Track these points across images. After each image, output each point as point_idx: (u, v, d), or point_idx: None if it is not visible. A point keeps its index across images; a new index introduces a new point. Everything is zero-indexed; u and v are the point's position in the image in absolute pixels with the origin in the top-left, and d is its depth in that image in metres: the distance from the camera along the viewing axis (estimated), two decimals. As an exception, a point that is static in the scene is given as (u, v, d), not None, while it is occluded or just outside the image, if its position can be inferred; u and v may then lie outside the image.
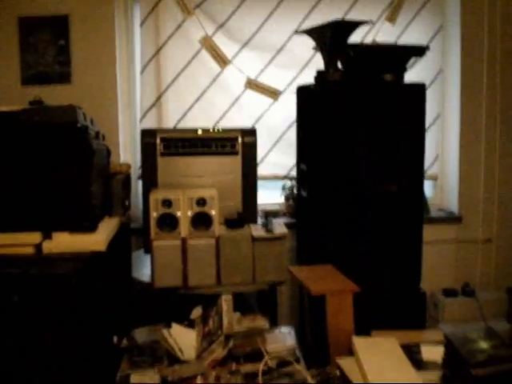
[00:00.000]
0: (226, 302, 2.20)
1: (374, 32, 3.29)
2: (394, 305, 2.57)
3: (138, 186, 3.23)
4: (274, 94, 3.32)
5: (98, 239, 2.09)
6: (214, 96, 3.29)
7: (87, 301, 1.96)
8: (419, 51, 2.69)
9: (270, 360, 2.03)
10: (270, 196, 3.42)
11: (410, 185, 2.65)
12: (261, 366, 1.97)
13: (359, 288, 2.10)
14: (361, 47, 2.72)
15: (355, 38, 2.71)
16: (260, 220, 2.73)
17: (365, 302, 2.13)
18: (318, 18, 2.92)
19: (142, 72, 3.22)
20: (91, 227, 2.09)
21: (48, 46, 3.06)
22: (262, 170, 3.14)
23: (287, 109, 3.25)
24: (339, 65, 2.67)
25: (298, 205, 3.01)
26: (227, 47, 3.24)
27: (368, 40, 3.26)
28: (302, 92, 2.85)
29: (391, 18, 3.33)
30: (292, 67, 3.31)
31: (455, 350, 1.80)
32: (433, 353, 1.94)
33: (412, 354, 1.91)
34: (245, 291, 2.53)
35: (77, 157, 2.05)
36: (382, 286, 2.60)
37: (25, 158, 2.03)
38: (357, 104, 2.59)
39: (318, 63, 2.83)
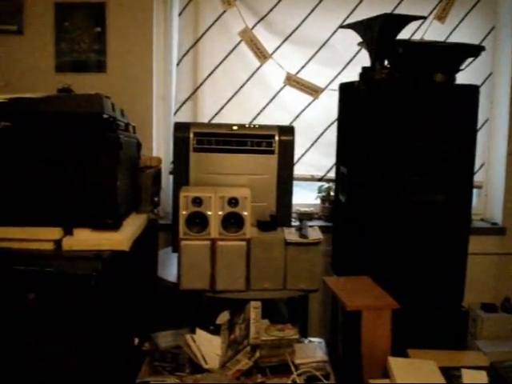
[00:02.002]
0: (254, 309, 2.19)
1: (422, 31, 3.15)
2: (434, 322, 2.44)
3: (168, 182, 3.15)
4: (314, 91, 3.22)
5: (121, 238, 1.98)
6: (251, 91, 3.20)
7: (107, 301, 1.87)
8: (474, 51, 2.56)
9: (298, 377, 1.94)
10: (304, 197, 3.36)
11: (457, 194, 2.51)
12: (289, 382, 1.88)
13: (398, 304, 2.00)
14: (411, 44, 2.61)
15: (402, 36, 2.60)
16: (294, 222, 2.70)
17: (402, 317, 2.02)
18: (364, 14, 2.78)
19: (178, 64, 3.16)
20: (115, 225, 1.98)
21: (83, 33, 2.97)
22: (298, 170, 3.05)
23: (327, 107, 3.16)
24: (386, 62, 2.59)
25: (336, 209, 2.95)
26: (267, 41, 3.16)
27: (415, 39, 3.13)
28: (345, 90, 2.76)
29: (441, 16, 3.18)
30: (334, 64, 3.20)
31: (501, 378, 1.64)
32: (475, 378, 1.86)
33: (452, 378, 1.83)
34: (274, 298, 2.46)
35: (102, 149, 1.95)
36: (422, 302, 2.47)
37: (47, 147, 1.93)
38: (404, 105, 2.47)
39: (362, 61, 2.76)
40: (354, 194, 2.60)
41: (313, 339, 2.27)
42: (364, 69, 2.61)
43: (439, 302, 2.52)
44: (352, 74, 2.74)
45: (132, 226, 2.18)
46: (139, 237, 2.24)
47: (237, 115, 3.17)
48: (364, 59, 2.68)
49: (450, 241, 2.52)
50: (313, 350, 2.20)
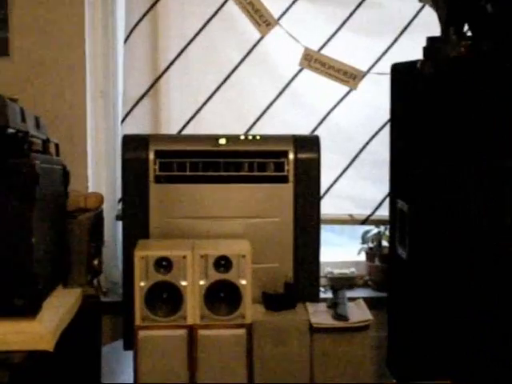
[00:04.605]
0: None
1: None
2: None
3: (116, 233, 3.20)
4: (350, 76, 3.24)
5: (40, 331, 1.97)
6: (248, 81, 3.25)
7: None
8: None
9: None
10: (340, 250, 3.43)
11: None
12: None
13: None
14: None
15: None
16: (323, 294, 2.82)
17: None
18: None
19: (126, 40, 3.21)
20: (30, 310, 1.98)
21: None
22: (327, 208, 3.11)
23: (372, 102, 3.22)
24: (466, 28, 2.63)
25: (392, 270, 2.95)
26: (271, 0, 3.21)
27: None
28: (402, 74, 2.80)
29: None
30: (381, 33, 3.26)
31: None
32: None
33: None
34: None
35: (6, 185, 1.96)
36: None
37: None
38: (499, 96, 2.47)
39: (427, 27, 2.78)
40: (421, 244, 2.61)
41: None
42: (431, 40, 2.63)
43: None
44: (410, 49, 2.75)
45: (58, 310, 2.17)
46: (70, 326, 2.22)
47: (225, 120, 3.21)
48: (430, 24, 2.70)
49: None
50: None
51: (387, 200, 3.03)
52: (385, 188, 3.02)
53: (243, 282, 2.38)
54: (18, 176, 1.97)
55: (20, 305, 1.96)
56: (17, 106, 2.06)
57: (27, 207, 1.99)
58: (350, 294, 2.88)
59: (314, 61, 3.23)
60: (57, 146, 2.50)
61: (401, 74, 2.81)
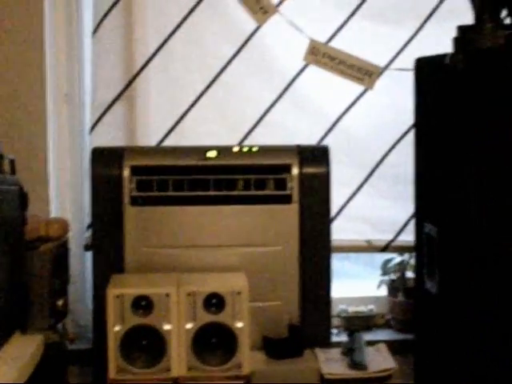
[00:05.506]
0: None
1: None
2: None
3: (84, 266, 3.18)
4: (365, 73, 3.24)
5: None
6: (242, 80, 3.26)
7: None
8: None
9: None
10: (355, 283, 3.45)
11: None
12: None
13: None
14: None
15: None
16: (336, 337, 2.82)
17: None
18: None
19: (95, 30, 3.21)
20: None
21: None
22: (340, 232, 3.07)
23: (392, 103, 3.23)
24: (504, 14, 2.62)
25: (419, 307, 2.96)
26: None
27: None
28: (428, 69, 2.81)
29: None
30: (401, 21, 3.26)
31: None
32: None
33: None
34: None
35: None
36: None
37: None
38: None
39: (458, 13, 2.81)
40: (456, 277, 2.59)
41: None
42: (462, 30, 2.63)
43: None
44: (437, 40, 2.79)
45: (15, 362, 2.17)
46: (31, 381, 2.22)
47: (215, 129, 3.21)
48: (461, 10, 2.72)
49: None
50: None
51: (412, 222, 3.04)
52: (409, 208, 3.05)
53: (239, 324, 2.38)
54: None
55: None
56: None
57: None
58: (368, 336, 2.88)
59: (321, 55, 3.23)
60: (12, 162, 2.48)
61: (426, 69, 2.83)
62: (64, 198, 3.23)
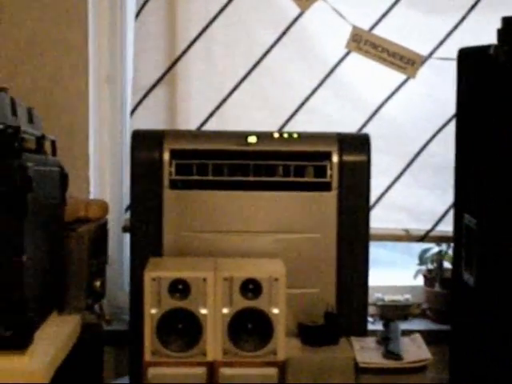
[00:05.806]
0: None
1: None
2: None
3: (122, 248, 3.23)
4: (407, 62, 3.21)
5: (31, 368, 1.97)
6: (283, 67, 3.25)
7: None
8: None
9: None
10: (392, 272, 3.45)
11: None
12: None
13: None
14: None
15: None
16: (372, 326, 2.84)
17: None
18: None
19: (137, 15, 3.21)
20: (18, 343, 1.97)
21: None
22: (378, 221, 3.08)
23: (434, 94, 3.22)
24: None
25: (456, 298, 2.95)
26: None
27: None
28: (471, 60, 2.78)
29: None
30: (445, 10, 3.24)
31: None
32: None
33: None
34: None
35: None
36: None
37: None
38: None
39: (502, 2, 2.85)
40: (495, 269, 2.58)
41: None
42: (507, 21, 2.60)
43: None
44: (482, 30, 2.76)
45: (52, 342, 2.17)
46: (67, 361, 2.22)
47: (256, 114, 3.21)
48: (507, 0, 2.72)
49: None
50: None
51: (451, 213, 3.02)
52: (448, 198, 3.04)
53: (275, 310, 2.37)
54: (7, 181, 1.97)
55: (7, 337, 1.96)
56: (6, 96, 2.05)
57: (17, 219, 1.98)
58: (404, 326, 2.87)
59: (363, 42, 3.21)
60: (53, 143, 2.48)
61: (470, 60, 2.80)
62: (104, 179, 3.26)
